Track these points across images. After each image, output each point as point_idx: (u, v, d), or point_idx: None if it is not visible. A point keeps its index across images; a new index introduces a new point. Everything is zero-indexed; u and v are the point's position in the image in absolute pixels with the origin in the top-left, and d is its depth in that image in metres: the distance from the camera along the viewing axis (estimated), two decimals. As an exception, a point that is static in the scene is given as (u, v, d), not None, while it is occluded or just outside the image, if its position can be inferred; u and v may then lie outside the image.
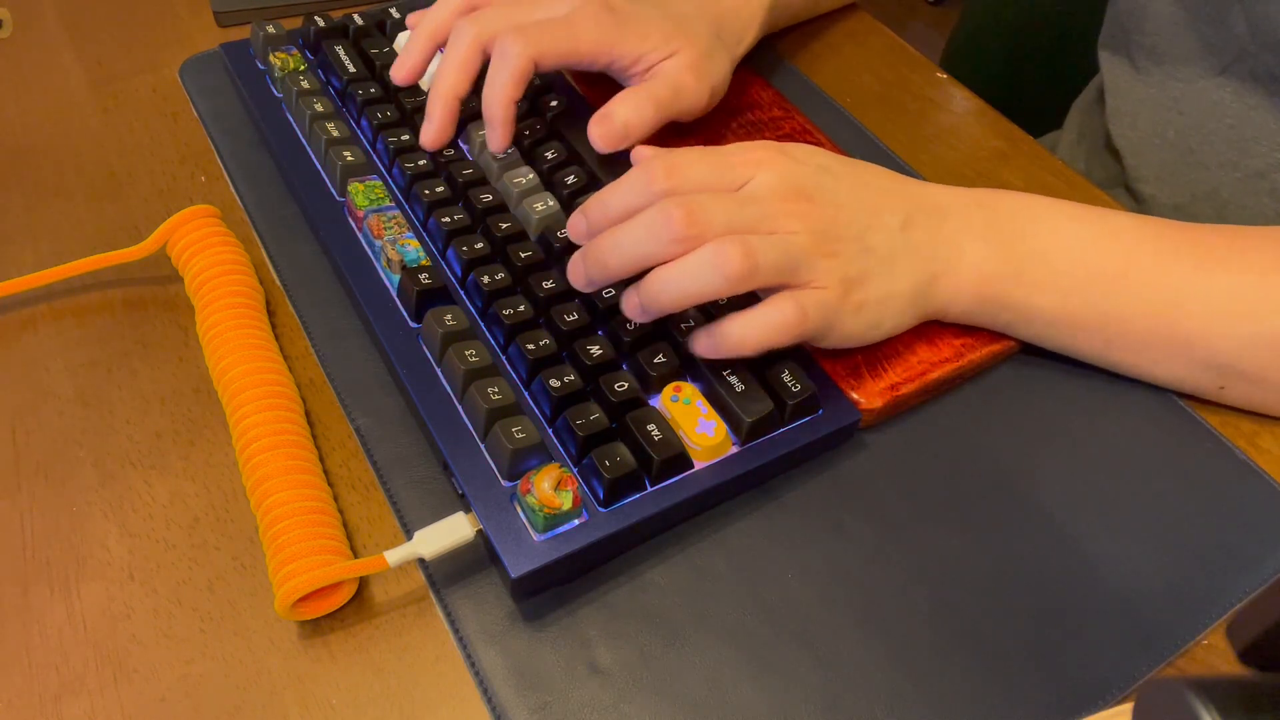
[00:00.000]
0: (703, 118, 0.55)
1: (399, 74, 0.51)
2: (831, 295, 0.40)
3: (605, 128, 0.47)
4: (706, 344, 0.40)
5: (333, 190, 0.49)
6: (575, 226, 0.42)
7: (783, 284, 0.39)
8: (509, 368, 0.42)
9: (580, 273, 0.41)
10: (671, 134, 0.54)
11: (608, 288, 0.42)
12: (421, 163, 0.49)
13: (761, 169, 0.41)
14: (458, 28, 0.48)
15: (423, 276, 0.43)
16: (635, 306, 0.40)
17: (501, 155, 0.49)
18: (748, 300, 0.41)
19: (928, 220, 0.43)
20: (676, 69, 0.50)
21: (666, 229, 0.38)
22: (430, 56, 0.51)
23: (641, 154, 0.44)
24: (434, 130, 0.49)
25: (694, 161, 0.41)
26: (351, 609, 0.38)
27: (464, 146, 0.51)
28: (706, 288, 0.38)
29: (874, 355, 0.44)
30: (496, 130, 0.48)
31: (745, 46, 0.56)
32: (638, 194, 0.40)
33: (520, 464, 0.38)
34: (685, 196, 0.39)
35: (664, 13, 0.50)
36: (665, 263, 0.38)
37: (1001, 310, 0.44)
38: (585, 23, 0.48)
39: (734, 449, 0.40)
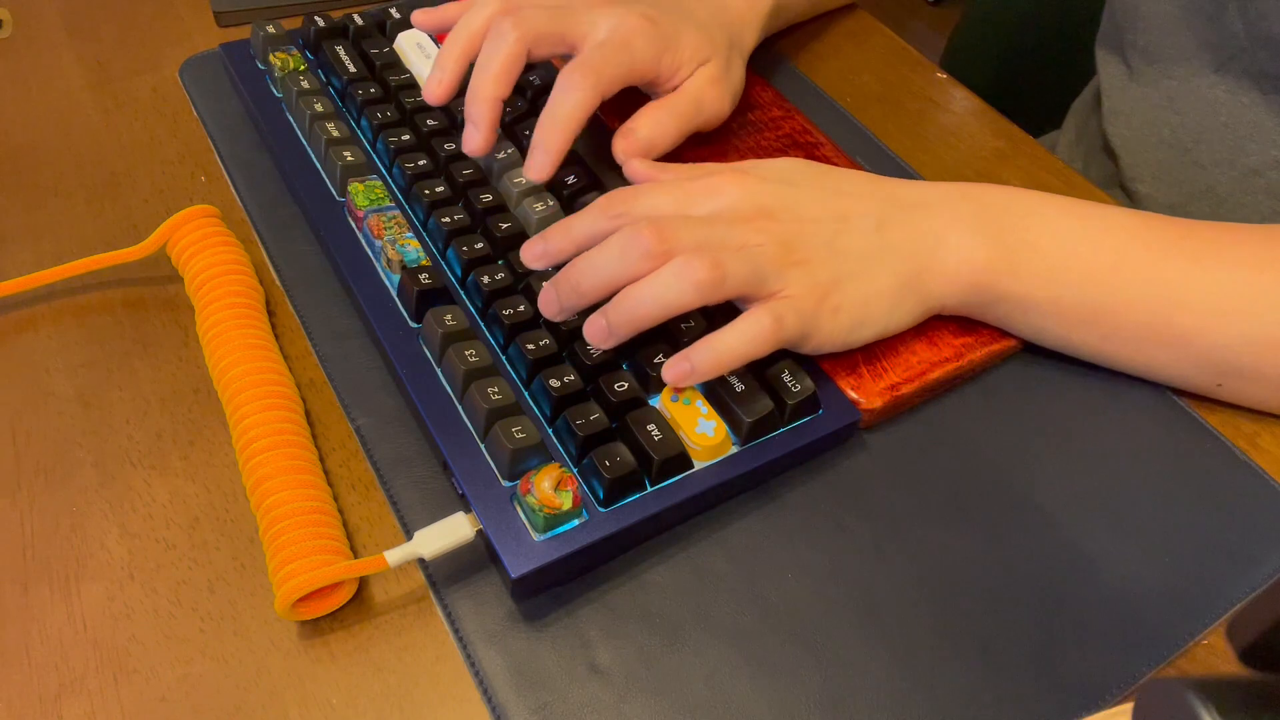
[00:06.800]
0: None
1: (433, 93, 0.48)
2: (806, 302, 0.40)
3: (629, 142, 0.48)
4: (683, 369, 0.38)
5: (333, 190, 0.49)
6: (532, 249, 0.42)
7: (753, 295, 0.40)
8: (509, 368, 0.42)
9: (553, 300, 0.41)
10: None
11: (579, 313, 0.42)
12: (422, 163, 0.49)
13: (720, 194, 0.41)
14: (498, 27, 0.46)
15: (423, 276, 0.43)
16: (601, 329, 0.39)
17: (539, 185, 0.47)
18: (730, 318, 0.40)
19: (905, 218, 0.43)
20: (698, 84, 0.50)
21: (637, 245, 0.38)
22: (464, 71, 0.48)
23: (633, 171, 0.46)
24: (480, 137, 0.47)
25: (654, 190, 0.42)
26: (351, 609, 0.38)
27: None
28: (677, 299, 0.38)
29: (874, 355, 0.44)
30: (551, 157, 0.45)
31: (750, 48, 0.56)
32: (600, 220, 0.41)
33: (520, 464, 0.38)
34: (653, 217, 0.40)
35: (692, 22, 0.50)
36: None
37: (997, 301, 0.44)
38: (638, 39, 0.47)
39: (734, 449, 0.40)
